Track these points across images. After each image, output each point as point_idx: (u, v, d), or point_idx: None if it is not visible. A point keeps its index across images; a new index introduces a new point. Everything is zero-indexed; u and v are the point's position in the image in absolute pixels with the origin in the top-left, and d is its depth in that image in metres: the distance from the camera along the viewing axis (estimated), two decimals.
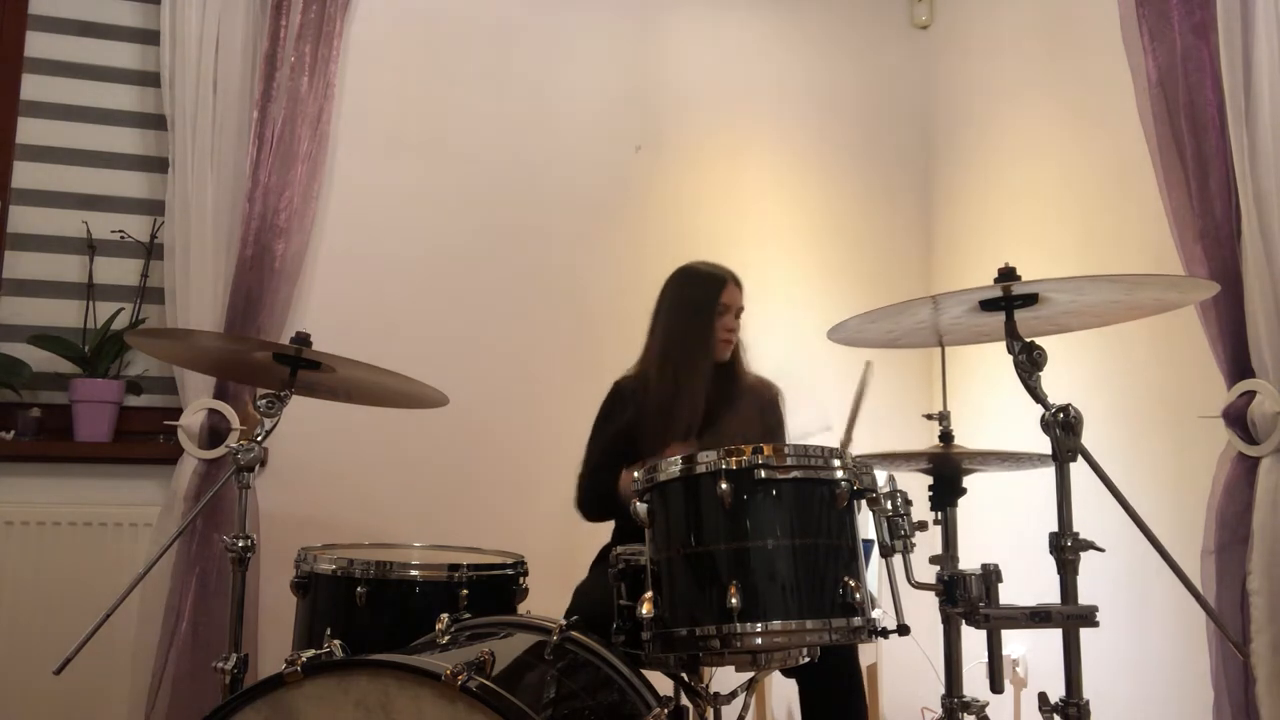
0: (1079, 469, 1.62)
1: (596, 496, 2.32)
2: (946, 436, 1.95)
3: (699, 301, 2.35)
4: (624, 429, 2.30)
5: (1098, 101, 2.83)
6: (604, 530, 2.37)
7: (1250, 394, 2.18)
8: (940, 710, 1.90)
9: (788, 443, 2.16)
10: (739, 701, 1.90)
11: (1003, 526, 2.82)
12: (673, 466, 1.65)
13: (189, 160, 2.72)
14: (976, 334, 1.92)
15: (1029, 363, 1.67)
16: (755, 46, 3.50)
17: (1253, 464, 2.19)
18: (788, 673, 2.04)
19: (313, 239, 2.86)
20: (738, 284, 2.39)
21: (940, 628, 1.85)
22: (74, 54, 2.85)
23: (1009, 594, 1.66)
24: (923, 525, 1.71)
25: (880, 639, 1.66)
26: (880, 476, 1.70)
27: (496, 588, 1.96)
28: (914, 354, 3.45)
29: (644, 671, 1.77)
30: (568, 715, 1.49)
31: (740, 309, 2.38)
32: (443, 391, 2.13)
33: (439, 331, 3.01)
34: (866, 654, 2.74)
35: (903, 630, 1.63)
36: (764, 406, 2.39)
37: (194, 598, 2.57)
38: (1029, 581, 1.75)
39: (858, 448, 1.77)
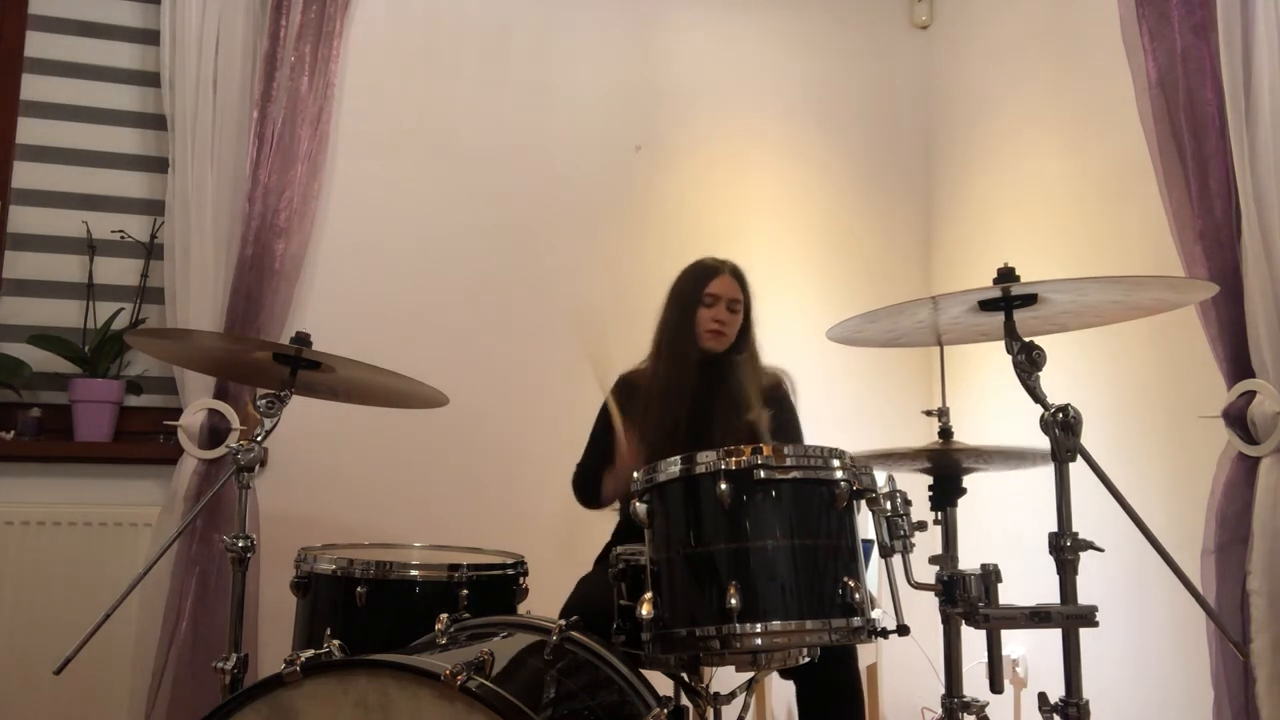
0: (1079, 469, 1.62)
1: (582, 481, 2.40)
2: (946, 433, 1.95)
3: (685, 293, 2.38)
4: (627, 422, 2.31)
5: (1098, 102, 2.83)
6: (605, 530, 2.37)
7: (1250, 394, 2.18)
8: (940, 710, 1.90)
9: (788, 443, 2.16)
10: (739, 701, 1.90)
11: (1003, 526, 2.82)
12: (672, 467, 1.65)
13: (189, 160, 2.72)
14: (976, 334, 1.92)
15: (1028, 363, 1.67)
16: (755, 46, 3.50)
17: (1253, 464, 2.19)
18: (785, 674, 2.04)
19: (313, 239, 2.86)
20: (736, 275, 2.39)
21: (940, 628, 1.85)
22: (74, 54, 2.85)
23: (1009, 594, 1.66)
24: (922, 525, 1.71)
25: (880, 639, 1.66)
26: (880, 476, 1.70)
27: (496, 588, 1.96)
28: (914, 353, 3.45)
29: (644, 671, 1.76)
30: (567, 715, 1.49)
31: (735, 300, 2.36)
32: (443, 391, 2.13)
33: (439, 331, 3.01)
34: (866, 654, 2.74)
35: (903, 630, 1.62)
36: (769, 399, 2.37)
37: (194, 598, 2.57)
38: (1029, 581, 1.75)
39: (857, 448, 1.76)
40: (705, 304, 2.35)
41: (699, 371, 2.33)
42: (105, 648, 2.30)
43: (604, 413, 2.39)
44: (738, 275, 2.39)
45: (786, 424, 2.37)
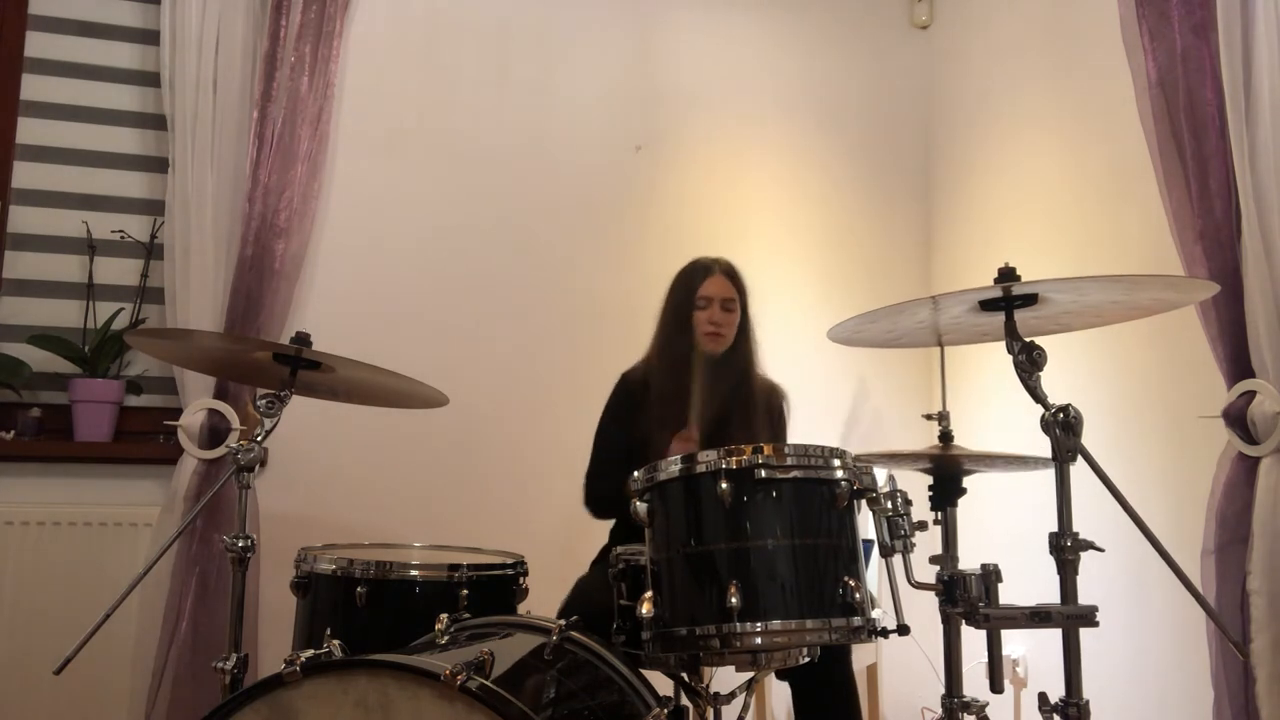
0: (1079, 469, 1.62)
1: (603, 497, 2.30)
2: (946, 437, 1.95)
3: (679, 298, 2.37)
4: (632, 428, 2.29)
5: (1098, 102, 2.83)
6: (605, 529, 2.37)
7: (1250, 394, 2.18)
8: (940, 710, 1.90)
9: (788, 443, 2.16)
10: (739, 701, 1.90)
11: (1003, 526, 2.82)
12: (672, 466, 1.65)
13: (189, 160, 2.72)
14: (976, 334, 1.92)
15: (1029, 363, 1.67)
16: (756, 46, 3.50)
17: (1253, 464, 2.19)
18: (780, 675, 2.04)
19: (313, 239, 2.86)
20: (729, 274, 2.36)
21: (940, 628, 1.85)
22: (74, 54, 2.85)
23: (1009, 594, 1.66)
24: (923, 525, 1.71)
25: (880, 639, 1.66)
26: (880, 476, 1.70)
27: (496, 588, 1.97)
28: (914, 354, 3.45)
29: (644, 671, 1.76)
30: (567, 715, 1.49)
31: (729, 299, 2.34)
32: (443, 391, 2.13)
33: (439, 331, 3.01)
34: (866, 654, 2.74)
35: (903, 630, 1.63)
36: (770, 410, 2.38)
37: (194, 598, 2.57)
38: (1029, 581, 1.75)
39: (858, 449, 1.76)
40: (699, 307, 2.33)
41: (707, 373, 2.31)
42: (105, 648, 2.29)
43: (614, 405, 2.38)
44: (730, 273, 2.37)
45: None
